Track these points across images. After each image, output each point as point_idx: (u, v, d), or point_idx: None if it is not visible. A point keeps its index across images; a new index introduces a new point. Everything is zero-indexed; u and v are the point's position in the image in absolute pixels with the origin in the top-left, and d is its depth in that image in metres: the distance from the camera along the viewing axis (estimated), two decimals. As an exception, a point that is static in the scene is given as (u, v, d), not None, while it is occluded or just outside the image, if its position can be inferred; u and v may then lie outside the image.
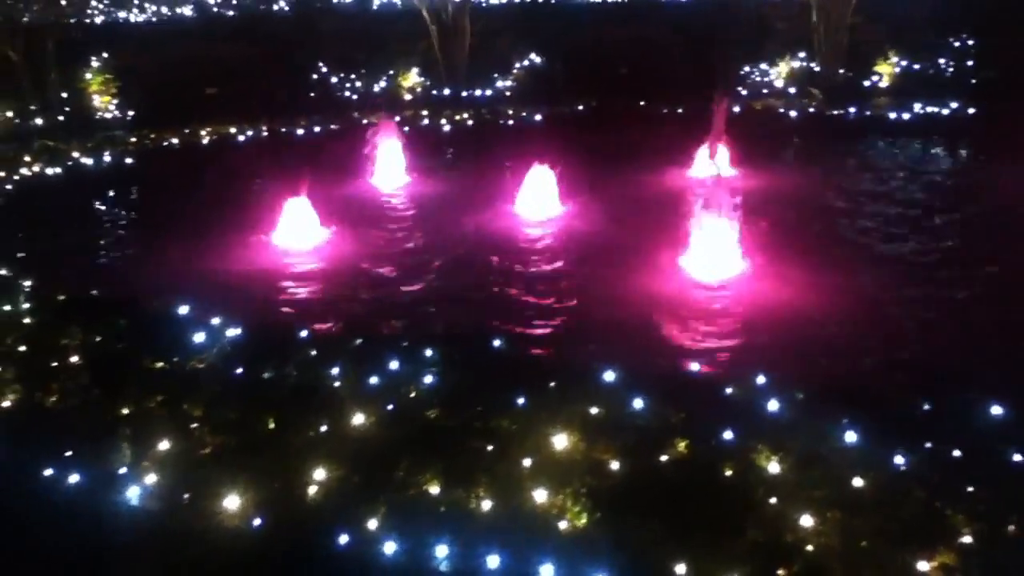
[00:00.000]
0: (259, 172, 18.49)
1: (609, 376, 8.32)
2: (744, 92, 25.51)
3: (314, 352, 9.03)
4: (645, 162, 18.78)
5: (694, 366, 9.32)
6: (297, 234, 14.92)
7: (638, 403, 7.89)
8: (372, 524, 6.53)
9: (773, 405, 7.79)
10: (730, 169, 18.15)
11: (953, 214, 16.05)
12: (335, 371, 8.63)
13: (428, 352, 8.83)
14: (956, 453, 7.15)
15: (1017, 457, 7.10)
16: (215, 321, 9.69)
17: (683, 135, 19.13)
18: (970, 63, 26.20)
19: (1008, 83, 22.69)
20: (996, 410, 7.76)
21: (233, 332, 9.52)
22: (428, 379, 8.44)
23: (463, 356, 8.85)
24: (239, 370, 8.80)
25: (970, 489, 6.66)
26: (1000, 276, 12.58)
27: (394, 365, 8.66)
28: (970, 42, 27.16)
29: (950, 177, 19.04)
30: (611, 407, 7.91)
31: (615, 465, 7.10)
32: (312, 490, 6.97)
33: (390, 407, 8.04)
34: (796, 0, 28.23)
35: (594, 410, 7.85)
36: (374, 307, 12.08)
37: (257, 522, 6.68)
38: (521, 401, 8.00)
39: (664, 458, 7.17)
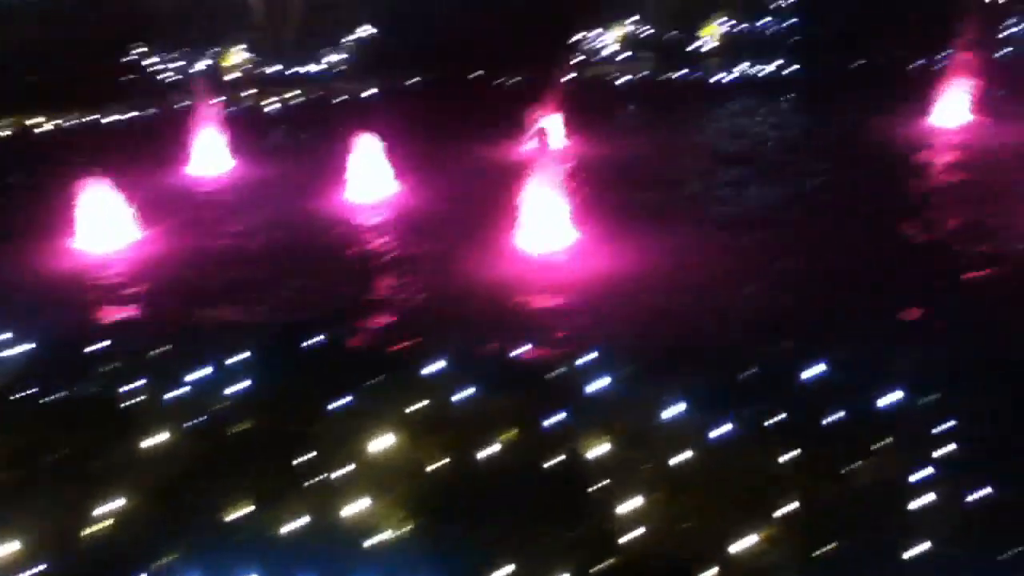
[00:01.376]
0: (68, 166, 16.98)
1: (436, 367, 7.95)
2: (579, 59, 25.47)
3: (113, 366, 8.25)
4: (480, 135, 18.38)
5: (525, 348, 9.03)
6: (102, 234, 13.75)
7: (466, 394, 7.56)
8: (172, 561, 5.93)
9: (602, 383, 7.62)
10: (564, 139, 18.02)
11: (782, 170, 16.49)
12: (137, 385, 7.88)
13: (241, 356, 8.20)
14: (781, 416, 7.18)
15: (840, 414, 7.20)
16: (-1, 337, 8.72)
17: (520, 106, 18.80)
18: (794, 21, 26.94)
19: (829, 40, 23.62)
20: (819, 368, 7.88)
21: (19, 349, 8.58)
22: (240, 386, 7.83)
23: (279, 358, 8.27)
24: (24, 391, 7.91)
25: (795, 452, 6.68)
26: (829, 230, 12.90)
27: (204, 374, 8.00)
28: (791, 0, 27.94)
29: (778, 134, 19.51)
30: (437, 401, 7.55)
31: (439, 464, 6.74)
32: (102, 527, 6.29)
33: (196, 421, 7.40)
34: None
35: (418, 406, 7.46)
36: (185, 311, 11.14)
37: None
38: (341, 402, 7.52)
39: (491, 451, 6.86)
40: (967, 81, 17.95)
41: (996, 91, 18.51)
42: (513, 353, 8.88)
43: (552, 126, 17.78)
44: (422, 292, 11.32)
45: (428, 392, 7.66)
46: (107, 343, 8.83)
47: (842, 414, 7.20)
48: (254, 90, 23.75)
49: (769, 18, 27.42)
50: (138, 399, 7.77)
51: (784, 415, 7.20)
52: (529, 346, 9.13)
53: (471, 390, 7.59)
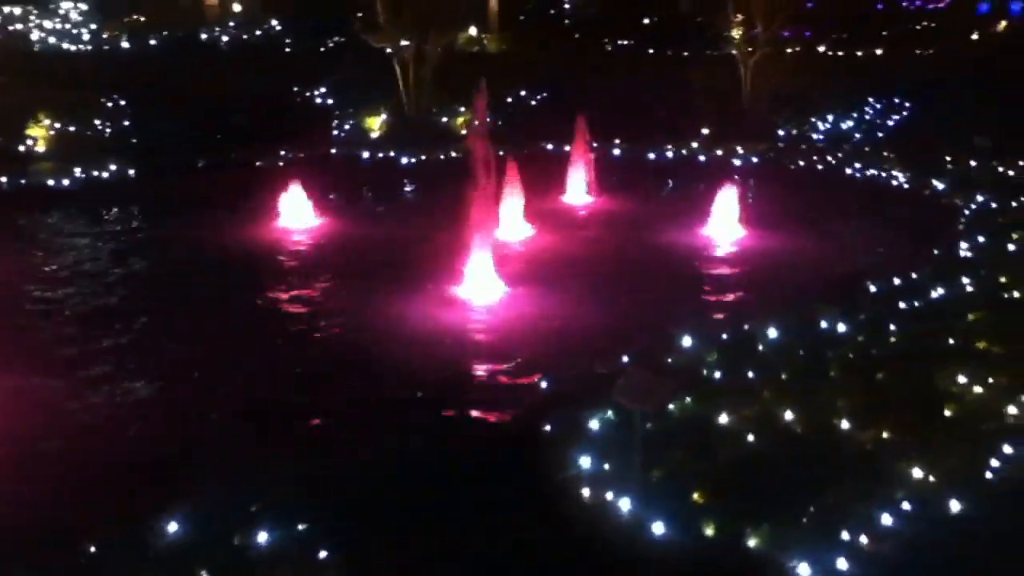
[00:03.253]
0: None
1: None
2: None
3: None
4: None
5: None
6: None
7: None
8: None
9: None
10: None
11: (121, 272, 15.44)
12: None
13: None
14: None
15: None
16: None
17: None
18: (127, 123, 25.75)
19: (156, 142, 23.08)
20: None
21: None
22: None
23: None
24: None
25: None
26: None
27: None
28: (123, 103, 26.76)
29: (118, 240, 18.14)
30: None
31: None
32: None
33: None
34: None
35: None
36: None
37: None
38: None
39: None
40: (309, 180, 18.92)
41: (328, 189, 20.01)
42: None
43: None
44: None
45: None
46: None
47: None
48: None
49: (101, 119, 25.80)
50: None
51: None
52: None
53: None
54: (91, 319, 13.38)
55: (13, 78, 25.91)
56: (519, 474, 8.10)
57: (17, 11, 31.62)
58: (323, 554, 6.89)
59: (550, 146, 24.02)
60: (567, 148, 21.13)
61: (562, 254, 16.75)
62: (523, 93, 30.23)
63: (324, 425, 9.95)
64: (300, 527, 7.17)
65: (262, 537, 7.04)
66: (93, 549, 6.83)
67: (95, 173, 21.19)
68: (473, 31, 38.56)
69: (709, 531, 7.34)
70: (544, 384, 10.32)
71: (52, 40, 32.90)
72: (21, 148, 23.37)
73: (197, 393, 10.79)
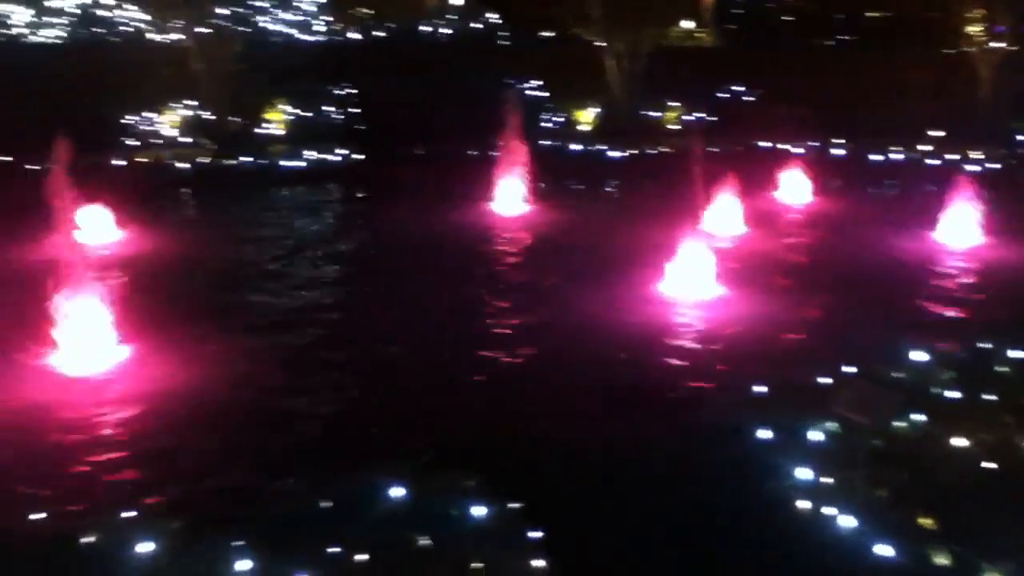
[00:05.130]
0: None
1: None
2: (133, 143, 23.32)
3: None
4: (7, 230, 15.58)
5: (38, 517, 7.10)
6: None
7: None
8: None
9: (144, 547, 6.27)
10: (109, 231, 16.04)
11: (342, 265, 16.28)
12: None
13: None
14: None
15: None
16: None
17: (57, 195, 16.21)
18: (354, 110, 27.33)
19: (383, 129, 24.23)
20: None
21: None
22: None
23: None
24: None
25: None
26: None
27: None
28: (353, 91, 28.41)
29: (345, 221, 19.28)
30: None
31: None
32: None
33: None
34: (175, 45, 26.80)
35: None
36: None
37: None
38: None
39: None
40: (518, 170, 19.26)
41: (539, 180, 20.24)
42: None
43: (92, 217, 15.81)
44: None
45: None
46: None
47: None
48: None
49: (332, 106, 27.56)
50: None
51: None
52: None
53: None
54: (315, 285, 14.28)
55: (254, 67, 27.99)
56: (732, 480, 7.89)
57: (260, 4, 34.15)
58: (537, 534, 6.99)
59: (765, 144, 23.25)
60: (782, 146, 20.41)
61: (777, 255, 16.14)
62: (737, 88, 29.43)
63: (522, 413, 9.98)
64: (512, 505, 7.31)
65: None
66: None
67: (325, 156, 22.72)
68: (687, 25, 38.00)
69: (940, 560, 6.85)
70: (759, 390, 9.94)
71: (289, 32, 35.44)
72: (260, 131, 25.33)
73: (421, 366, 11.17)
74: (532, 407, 9.78)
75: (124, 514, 6.79)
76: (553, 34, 37.13)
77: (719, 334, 12.28)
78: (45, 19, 33.54)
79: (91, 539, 6.48)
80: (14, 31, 33.07)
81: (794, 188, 20.00)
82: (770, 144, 22.92)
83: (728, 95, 28.77)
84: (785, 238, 17.28)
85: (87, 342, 10.67)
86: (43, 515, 7.03)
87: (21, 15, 33.52)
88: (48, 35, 33.26)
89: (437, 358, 11.21)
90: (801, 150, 19.87)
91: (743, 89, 29.45)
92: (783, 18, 43.80)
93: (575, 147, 24.51)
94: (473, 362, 11.13)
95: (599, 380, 10.51)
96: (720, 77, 28.40)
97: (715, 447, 8.55)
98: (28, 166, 19.93)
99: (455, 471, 7.74)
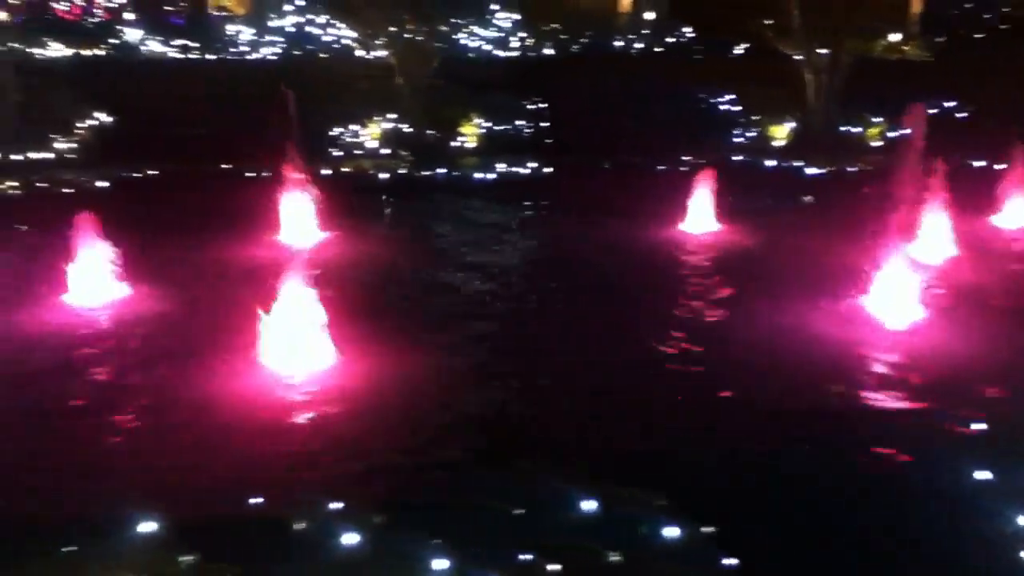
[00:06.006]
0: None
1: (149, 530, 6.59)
2: (337, 154, 24.76)
3: None
4: (227, 232, 16.94)
5: (256, 501, 7.63)
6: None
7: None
8: None
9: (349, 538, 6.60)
10: (317, 235, 17.08)
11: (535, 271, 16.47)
12: None
13: None
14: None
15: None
16: None
17: (269, 201, 17.58)
18: (544, 124, 27.79)
19: (572, 143, 24.47)
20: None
21: None
22: None
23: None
24: None
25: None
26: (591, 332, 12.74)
27: None
28: (543, 105, 28.94)
29: (532, 234, 19.60)
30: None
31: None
32: None
33: None
34: (379, 60, 28.23)
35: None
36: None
37: None
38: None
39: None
40: (709, 185, 18.89)
41: (731, 196, 19.74)
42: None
43: (304, 222, 16.92)
44: (139, 436, 9.64)
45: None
46: None
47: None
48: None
49: (523, 119, 28.14)
50: None
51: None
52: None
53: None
54: (507, 296, 14.61)
55: (451, 82, 29.06)
56: (942, 525, 7.38)
57: (457, 22, 35.41)
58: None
59: (979, 163, 21.70)
60: (1000, 166, 18.97)
61: (989, 282, 15.02)
62: (948, 104, 27.66)
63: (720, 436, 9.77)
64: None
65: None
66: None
67: (515, 169, 23.23)
68: (895, 37, 36.15)
69: None
70: (979, 427, 9.23)
71: (486, 48, 36.60)
72: (454, 144, 26.22)
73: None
74: (731, 430, 9.54)
75: (331, 505, 7.13)
76: (747, 46, 36.41)
77: (927, 362, 11.55)
78: (267, 38, 36.20)
79: (302, 525, 6.86)
80: (240, 49, 35.90)
81: (1014, 211, 18.55)
82: (984, 163, 21.39)
83: (937, 110, 27.08)
84: (1000, 265, 16.04)
85: (295, 340, 11.34)
86: (260, 499, 7.53)
87: (245, 34, 36.35)
88: (266, 52, 35.86)
89: (625, 374, 11.14)
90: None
91: (954, 104, 27.71)
92: (1000, 27, 40.94)
93: (769, 163, 23.84)
94: (665, 381, 11.00)
95: (803, 406, 10.12)
96: (928, 91, 26.77)
97: (929, 482, 8.04)
98: (247, 173, 21.71)
99: (646, 488, 7.66)
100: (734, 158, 24.19)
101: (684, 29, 40.15)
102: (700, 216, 18.61)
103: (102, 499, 7.52)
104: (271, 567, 6.41)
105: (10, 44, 27.20)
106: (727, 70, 32.72)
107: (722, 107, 29.51)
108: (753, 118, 27.54)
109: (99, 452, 9.09)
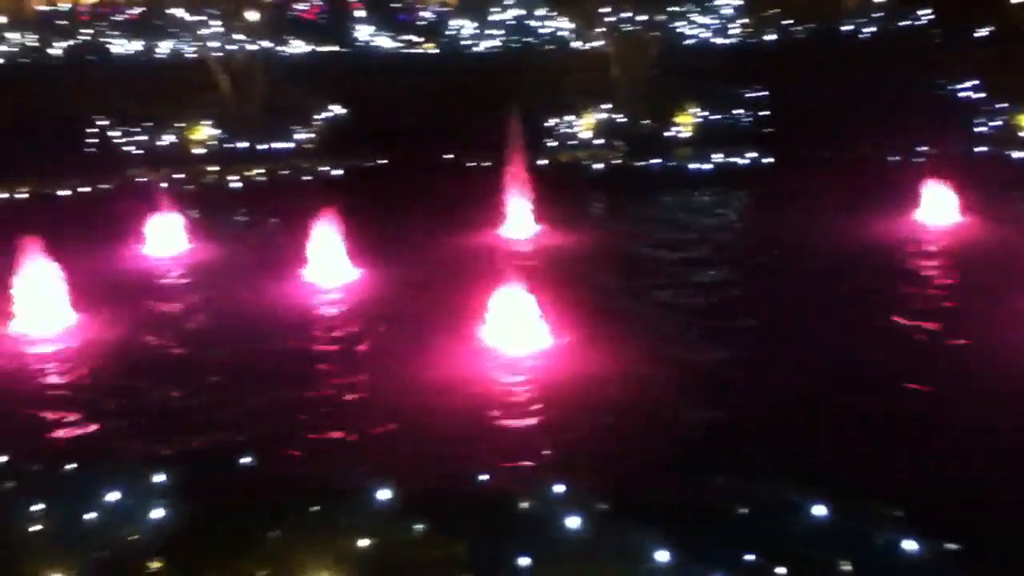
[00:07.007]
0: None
1: (384, 497, 6.97)
2: (552, 144, 25.07)
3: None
4: (448, 220, 17.60)
5: (482, 478, 7.88)
6: (32, 318, 12.75)
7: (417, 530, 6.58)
8: None
9: (573, 522, 6.67)
10: (534, 225, 17.39)
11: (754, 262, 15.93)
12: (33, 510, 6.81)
13: (157, 478, 7.15)
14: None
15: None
16: None
17: (489, 191, 18.10)
18: (764, 113, 26.80)
19: (794, 133, 23.43)
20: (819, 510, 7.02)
21: None
22: (155, 514, 6.78)
23: (201, 479, 7.23)
24: None
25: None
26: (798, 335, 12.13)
27: (112, 497, 6.93)
28: (763, 93, 27.89)
29: (749, 226, 18.99)
30: (385, 537, 6.56)
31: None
32: None
33: (98, 556, 6.32)
34: (595, 51, 28.29)
35: (364, 542, 6.46)
36: (109, 417, 10.01)
37: None
38: (273, 535, 6.50)
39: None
40: (945, 178, 17.58)
41: (973, 190, 18.19)
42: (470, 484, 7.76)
43: (522, 211, 17.29)
44: (373, 401, 10.29)
45: (374, 528, 6.64)
46: None
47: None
48: (218, 167, 22.99)
49: (741, 109, 27.27)
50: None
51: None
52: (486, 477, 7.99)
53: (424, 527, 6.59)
54: (726, 289, 14.31)
55: (667, 71, 28.62)
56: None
57: (678, 9, 34.77)
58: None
59: None
60: None
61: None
62: None
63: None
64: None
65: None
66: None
67: (733, 160, 22.59)
68: None
69: None
70: None
71: (705, 35, 35.76)
72: (669, 134, 25.85)
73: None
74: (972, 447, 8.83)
75: (555, 488, 7.24)
76: (991, 29, 33.48)
77: None
78: (487, 31, 37.20)
79: (526, 505, 7.02)
80: (463, 42, 37.13)
81: None
82: None
83: None
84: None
85: (517, 326, 11.62)
86: (486, 477, 7.80)
87: (467, 28, 37.54)
88: (488, 45, 36.87)
89: (851, 381, 10.54)
90: None
91: None
92: None
93: (1018, 155, 21.82)
94: (900, 389, 10.29)
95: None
96: None
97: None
98: (467, 163, 22.45)
99: (881, 498, 7.24)
100: (976, 149, 22.34)
101: (920, 12, 37.42)
102: (937, 209, 17.33)
103: (343, 465, 8.13)
104: (496, 541, 6.56)
105: (260, 42, 29.32)
106: (969, 55, 30.23)
107: (962, 94, 27.28)
108: (998, 107, 25.29)
109: (339, 417, 9.80)
